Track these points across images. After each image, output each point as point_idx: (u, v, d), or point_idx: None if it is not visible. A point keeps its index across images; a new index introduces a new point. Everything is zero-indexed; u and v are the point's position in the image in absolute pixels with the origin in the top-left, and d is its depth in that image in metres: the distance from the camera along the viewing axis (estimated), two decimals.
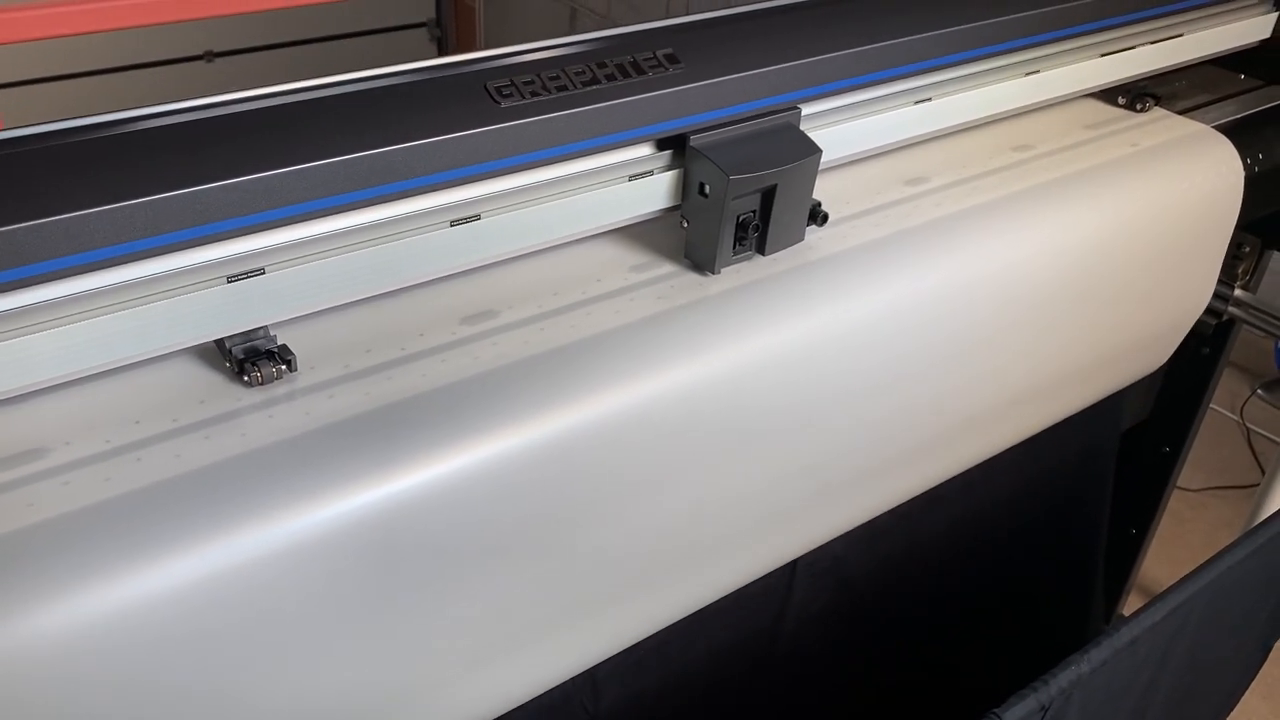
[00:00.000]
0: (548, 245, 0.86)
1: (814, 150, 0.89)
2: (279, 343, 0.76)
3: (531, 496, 0.77)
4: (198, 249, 0.68)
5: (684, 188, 0.88)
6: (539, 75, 0.79)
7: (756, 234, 0.89)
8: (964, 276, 0.98)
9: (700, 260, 0.90)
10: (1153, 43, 1.20)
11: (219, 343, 0.74)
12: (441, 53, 3.74)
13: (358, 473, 0.69)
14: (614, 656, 1.10)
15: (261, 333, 0.75)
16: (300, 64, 3.56)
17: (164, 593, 0.63)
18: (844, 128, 0.98)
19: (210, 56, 3.48)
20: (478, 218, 0.80)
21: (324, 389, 0.75)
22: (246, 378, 0.74)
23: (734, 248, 0.89)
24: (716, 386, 0.84)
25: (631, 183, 0.86)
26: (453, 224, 0.79)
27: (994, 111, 1.11)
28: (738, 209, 0.86)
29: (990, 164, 1.10)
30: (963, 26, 0.99)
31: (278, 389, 0.74)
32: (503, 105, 0.77)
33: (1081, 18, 1.09)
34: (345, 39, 3.71)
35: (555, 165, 0.82)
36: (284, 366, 0.74)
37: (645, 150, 0.86)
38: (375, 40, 3.78)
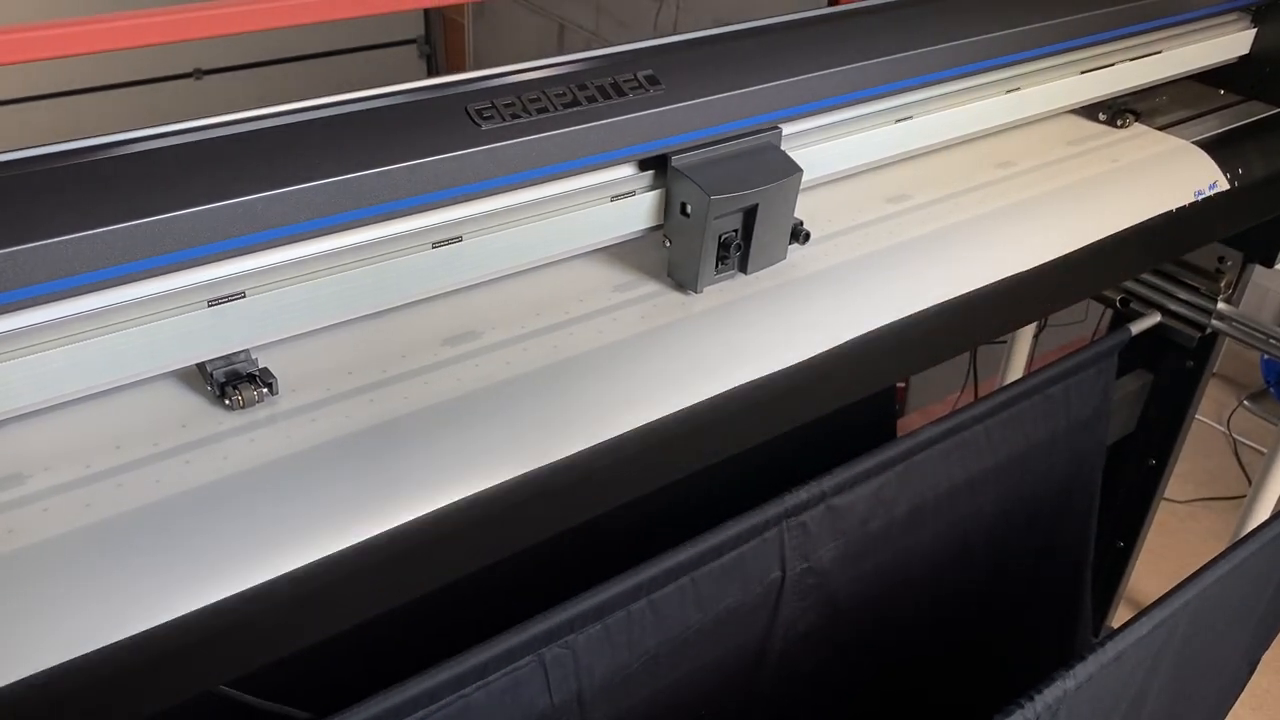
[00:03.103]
0: (530, 266, 0.86)
1: (795, 169, 0.89)
2: (260, 366, 0.76)
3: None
4: (178, 274, 0.68)
5: (666, 207, 0.88)
6: (520, 97, 0.79)
7: (739, 253, 0.89)
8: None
9: (683, 279, 0.90)
10: (1133, 59, 1.21)
11: (200, 366, 0.74)
12: (430, 69, 3.74)
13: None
14: (602, 676, 1.10)
15: (243, 356, 0.75)
16: (289, 81, 3.57)
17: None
18: (825, 147, 0.98)
19: (199, 74, 3.49)
20: (459, 239, 0.80)
21: (306, 412, 0.75)
22: (228, 401, 0.73)
23: (716, 267, 0.89)
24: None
25: (614, 203, 0.87)
26: (435, 246, 0.79)
27: (976, 129, 1.11)
28: (719, 228, 0.86)
29: (973, 181, 1.11)
30: (943, 46, 1.00)
31: (259, 412, 0.74)
32: (484, 127, 0.77)
33: (1061, 35, 1.10)
34: (334, 56, 3.72)
35: (537, 186, 0.82)
36: (265, 390, 0.74)
37: (627, 170, 0.87)
38: (364, 57, 3.79)
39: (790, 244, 0.94)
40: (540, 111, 0.79)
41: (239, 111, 0.73)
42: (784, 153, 0.92)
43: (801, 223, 0.94)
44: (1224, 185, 1.19)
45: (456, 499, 0.73)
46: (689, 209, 0.86)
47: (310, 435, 0.72)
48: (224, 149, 0.69)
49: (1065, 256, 1.06)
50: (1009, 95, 1.11)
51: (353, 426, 0.73)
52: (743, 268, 0.91)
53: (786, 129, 0.93)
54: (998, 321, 1.10)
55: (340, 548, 0.69)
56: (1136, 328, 1.50)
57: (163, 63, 3.38)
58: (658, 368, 0.83)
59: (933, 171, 1.11)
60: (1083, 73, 1.17)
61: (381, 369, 0.79)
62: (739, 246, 0.89)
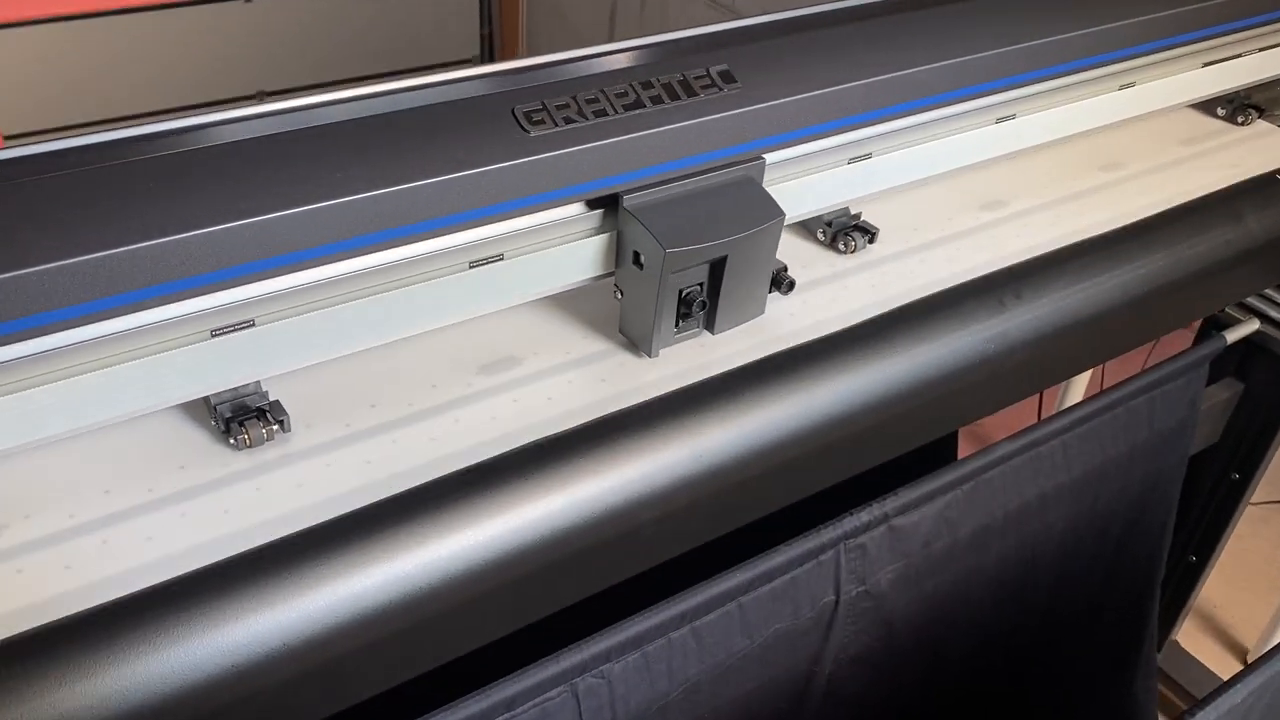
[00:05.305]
0: (576, 286, 0.76)
1: (776, 213, 0.75)
2: (271, 399, 0.67)
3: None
4: (176, 303, 0.59)
5: (616, 254, 0.74)
6: (575, 97, 0.69)
7: (703, 311, 0.76)
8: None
9: (636, 339, 0.77)
10: (1262, 50, 1.08)
11: (205, 397, 0.66)
12: (483, 11, 3.57)
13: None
14: (638, 705, 1.02)
15: (252, 387, 0.66)
16: (343, 7, 3.43)
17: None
18: (915, 150, 0.87)
19: None
20: (500, 258, 0.70)
21: (320, 454, 0.66)
22: (233, 440, 0.65)
23: (676, 324, 0.75)
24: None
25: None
26: (472, 265, 0.69)
27: (1083, 129, 0.99)
28: (679, 283, 0.73)
29: (1075, 186, 0.99)
30: (1056, 38, 0.88)
31: (267, 453, 0.66)
32: (532, 134, 0.67)
33: (1185, 26, 0.97)
34: None
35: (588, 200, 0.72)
36: (276, 427, 0.66)
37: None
38: None
39: (771, 293, 0.80)
40: (598, 115, 0.69)
41: (248, 107, 0.63)
42: (766, 192, 0.76)
43: (785, 268, 0.81)
44: None
45: (483, 561, 0.64)
46: (642, 259, 0.72)
47: (323, 484, 0.64)
48: (229, 158, 0.59)
49: (1175, 279, 0.94)
50: (1122, 91, 0.99)
51: (372, 475, 0.65)
52: (709, 326, 0.78)
53: (770, 157, 0.77)
54: (1092, 352, 0.99)
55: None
56: (1232, 336, 1.38)
57: None
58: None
59: (1029, 174, 1.00)
60: (1205, 65, 1.04)
61: (408, 402, 0.71)
62: (703, 304, 0.75)
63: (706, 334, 0.78)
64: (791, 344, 0.78)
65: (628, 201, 0.71)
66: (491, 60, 3.32)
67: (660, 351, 0.76)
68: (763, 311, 0.79)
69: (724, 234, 0.71)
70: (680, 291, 0.73)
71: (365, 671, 0.65)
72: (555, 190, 0.68)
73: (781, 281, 0.80)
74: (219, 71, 2.63)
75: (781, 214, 0.74)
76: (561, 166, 0.67)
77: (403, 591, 0.62)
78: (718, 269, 0.73)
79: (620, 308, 0.77)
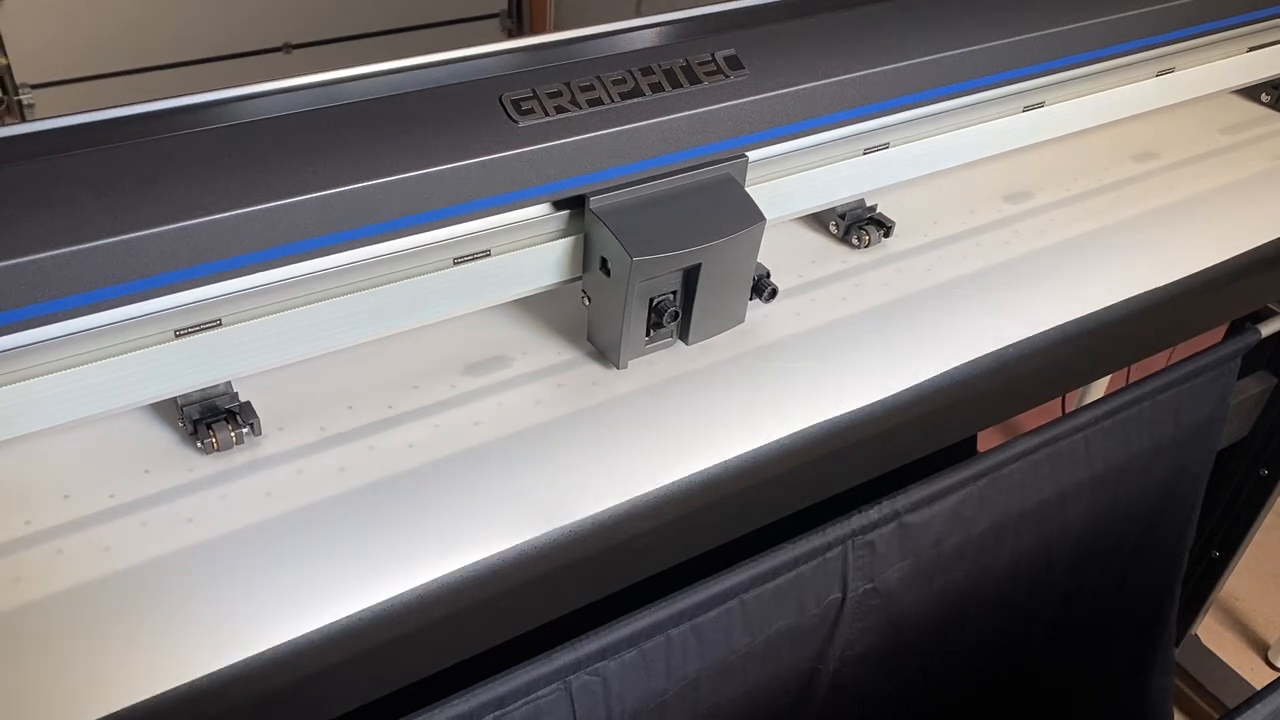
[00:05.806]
0: (564, 282, 0.72)
1: (756, 218, 0.69)
2: (241, 400, 0.64)
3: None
4: (137, 304, 0.56)
5: (584, 258, 0.69)
6: (568, 84, 0.65)
7: (675, 321, 0.70)
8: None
9: (603, 348, 0.72)
10: None
11: (173, 398, 0.63)
12: None
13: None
14: (634, 703, 1.00)
15: (222, 388, 0.63)
16: None
17: None
18: (939, 140, 0.82)
19: None
20: (488, 254, 0.66)
21: (291, 460, 0.63)
22: (201, 443, 0.62)
23: (648, 333, 0.70)
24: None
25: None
26: (456, 262, 0.65)
27: (1116, 118, 0.93)
28: (649, 291, 0.67)
29: (1105, 178, 0.94)
30: (1091, 22, 0.82)
31: (236, 458, 0.62)
32: (520, 124, 0.62)
33: (1230, 9, 0.92)
34: None
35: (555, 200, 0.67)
36: (246, 430, 0.63)
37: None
38: None
39: (751, 300, 0.75)
40: (592, 104, 0.65)
41: (216, 90, 0.59)
42: (745, 191, 0.71)
43: (768, 274, 0.76)
44: None
45: (461, 575, 0.61)
46: (610, 267, 0.67)
47: (293, 493, 0.61)
48: (192, 149, 0.56)
49: (1211, 278, 0.89)
50: (1161, 78, 0.93)
51: (346, 484, 0.61)
52: (683, 336, 0.73)
53: (754, 155, 0.72)
54: (1119, 355, 0.94)
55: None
56: (1266, 329, 1.32)
57: None
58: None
59: (1056, 164, 0.95)
60: (1250, 50, 0.98)
61: (387, 404, 0.67)
62: (675, 314, 0.70)
63: (681, 344, 0.73)
64: (787, 350, 0.74)
65: (594, 204, 0.66)
66: (519, 14, 3.26)
67: (628, 364, 0.71)
68: (742, 320, 0.74)
69: (698, 240, 0.66)
70: (651, 300, 0.68)
71: (349, 686, 0.62)
72: (541, 186, 0.64)
73: (764, 289, 0.75)
74: (243, 23, 2.57)
75: (762, 218, 0.69)
76: (548, 161, 0.63)
77: (388, 604, 0.59)
78: (691, 277, 0.68)
79: (587, 315, 0.72)
